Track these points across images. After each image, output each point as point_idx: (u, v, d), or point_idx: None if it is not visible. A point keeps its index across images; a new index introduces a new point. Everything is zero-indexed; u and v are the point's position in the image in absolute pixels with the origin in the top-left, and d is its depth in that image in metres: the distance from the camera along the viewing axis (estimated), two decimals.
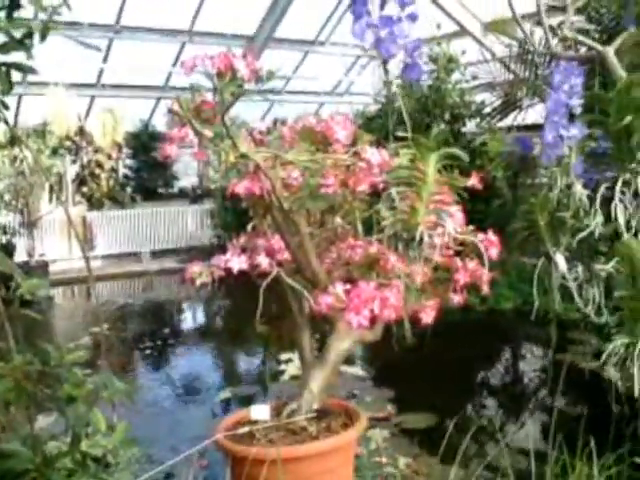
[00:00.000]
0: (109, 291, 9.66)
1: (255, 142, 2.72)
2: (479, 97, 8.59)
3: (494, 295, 6.46)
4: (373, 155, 2.45)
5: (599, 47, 2.55)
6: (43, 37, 1.71)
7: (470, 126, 8.46)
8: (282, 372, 4.87)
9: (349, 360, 5.11)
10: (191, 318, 8.18)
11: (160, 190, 12.52)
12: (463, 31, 10.35)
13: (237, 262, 2.49)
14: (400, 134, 1.78)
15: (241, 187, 2.64)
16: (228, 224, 9.89)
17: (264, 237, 2.91)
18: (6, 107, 1.87)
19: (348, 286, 2.21)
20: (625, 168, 1.87)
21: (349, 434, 2.45)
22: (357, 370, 4.93)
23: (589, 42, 2.53)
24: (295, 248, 2.68)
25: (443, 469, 3.03)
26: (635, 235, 2.03)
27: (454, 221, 1.91)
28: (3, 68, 1.76)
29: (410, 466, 3.32)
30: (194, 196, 12.34)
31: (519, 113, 7.62)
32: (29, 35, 1.71)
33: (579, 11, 5.21)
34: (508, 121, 8.01)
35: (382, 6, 1.41)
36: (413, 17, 1.38)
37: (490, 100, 8.15)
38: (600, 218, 2.02)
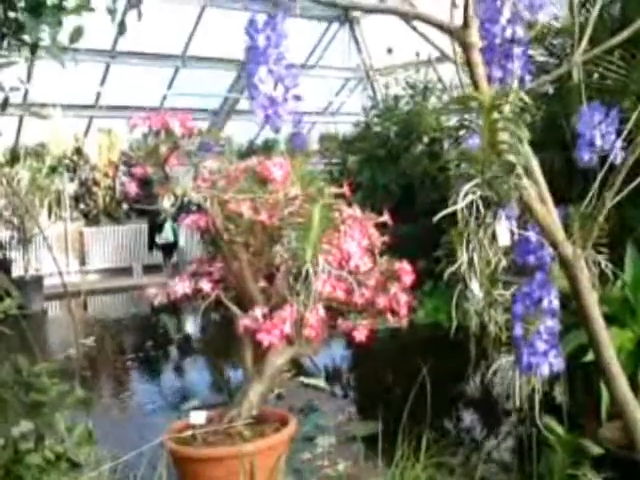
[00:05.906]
0: (101, 304, 10.06)
1: (203, 180, 3.13)
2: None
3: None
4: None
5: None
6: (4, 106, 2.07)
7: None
8: None
9: (313, 373, 5.49)
10: (175, 331, 8.53)
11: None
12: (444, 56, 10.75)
13: (181, 287, 2.88)
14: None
15: (189, 220, 3.06)
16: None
17: (215, 263, 3.31)
18: None
19: (266, 310, 2.59)
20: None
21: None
22: (319, 382, 5.28)
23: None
24: (236, 273, 3.07)
25: (379, 473, 3.39)
26: None
27: (353, 257, 2.29)
28: None
29: (349, 469, 3.68)
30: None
31: None
32: None
33: (537, 42, 5.43)
34: None
35: (275, 86, 1.77)
36: (298, 97, 1.76)
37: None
38: (465, 255, 2.39)
